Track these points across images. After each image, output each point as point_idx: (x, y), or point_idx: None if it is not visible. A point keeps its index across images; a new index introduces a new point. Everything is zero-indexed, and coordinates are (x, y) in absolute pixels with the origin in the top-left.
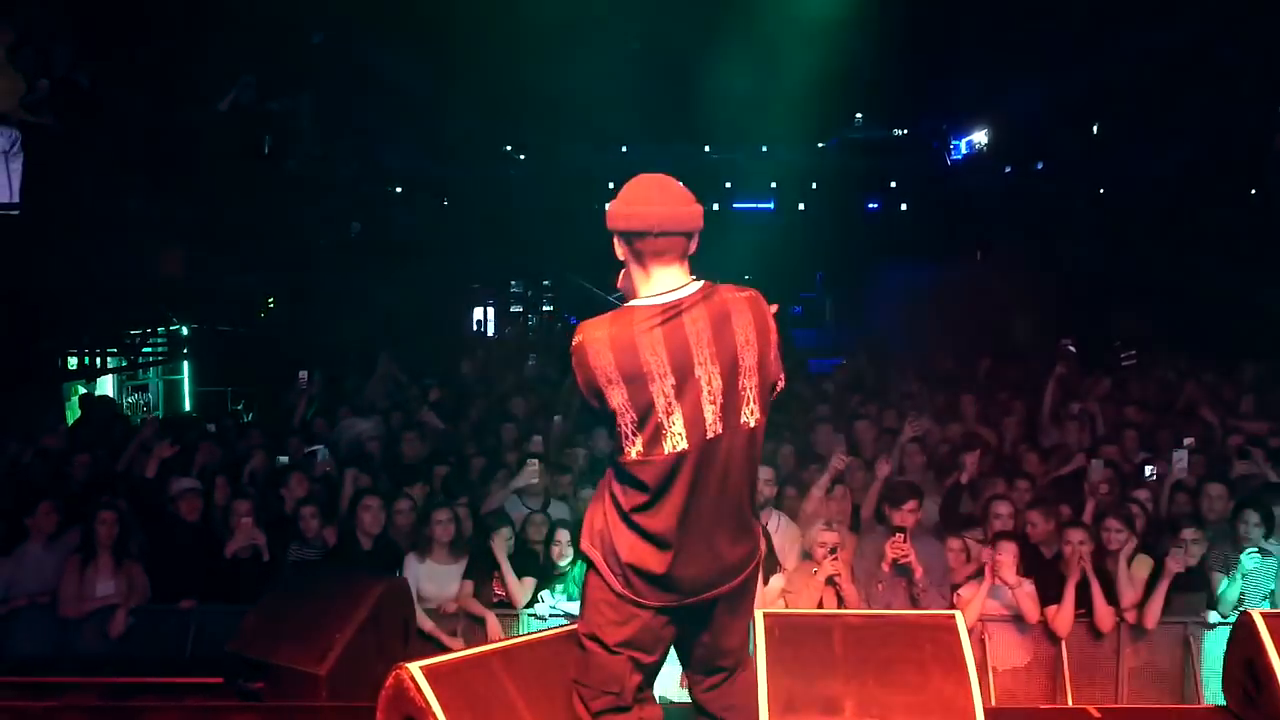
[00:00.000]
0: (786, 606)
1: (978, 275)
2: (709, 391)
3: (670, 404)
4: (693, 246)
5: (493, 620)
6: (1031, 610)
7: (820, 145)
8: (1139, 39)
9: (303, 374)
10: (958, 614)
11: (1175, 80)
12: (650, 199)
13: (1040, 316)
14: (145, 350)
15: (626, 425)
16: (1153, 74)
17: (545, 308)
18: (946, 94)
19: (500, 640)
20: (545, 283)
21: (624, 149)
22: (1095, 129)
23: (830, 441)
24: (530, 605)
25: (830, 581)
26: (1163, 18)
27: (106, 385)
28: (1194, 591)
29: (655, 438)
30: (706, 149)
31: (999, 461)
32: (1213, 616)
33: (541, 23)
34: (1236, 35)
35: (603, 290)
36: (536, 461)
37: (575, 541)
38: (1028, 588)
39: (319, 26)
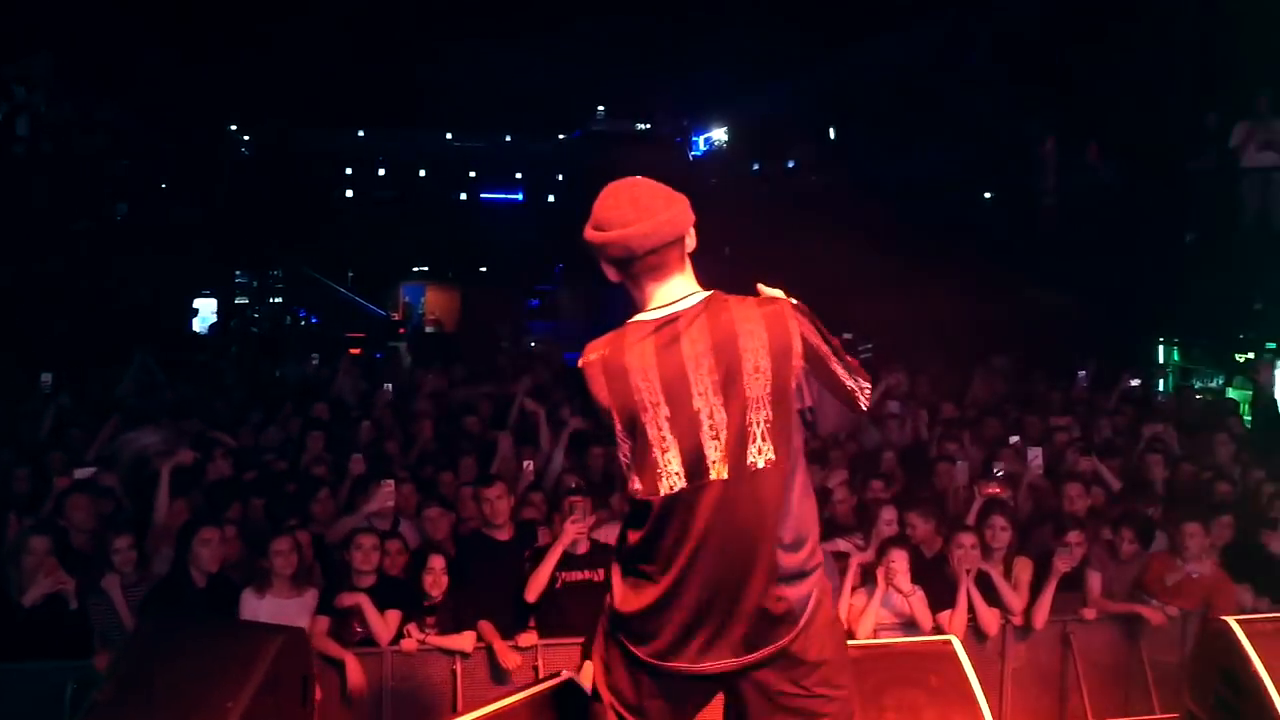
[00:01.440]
0: None
1: (726, 271)
2: (710, 426)
3: (665, 438)
4: (691, 244)
5: (353, 663)
6: (925, 617)
7: (562, 137)
8: (883, 43)
9: (45, 377)
10: (954, 639)
11: (920, 84)
12: (625, 219)
13: None
14: None
15: (625, 456)
16: (895, 78)
17: (274, 299)
18: (686, 89)
19: (361, 687)
20: (274, 273)
21: (360, 133)
22: (833, 131)
23: None
24: (396, 641)
25: None
26: (908, 21)
27: None
28: (1071, 590)
29: (651, 475)
30: (449, 136)
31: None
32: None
33: None
34: (983, 41)
35: (338, 284)
36: (391, 482)
37: (450, 570)
38: (920, 594)
39: None
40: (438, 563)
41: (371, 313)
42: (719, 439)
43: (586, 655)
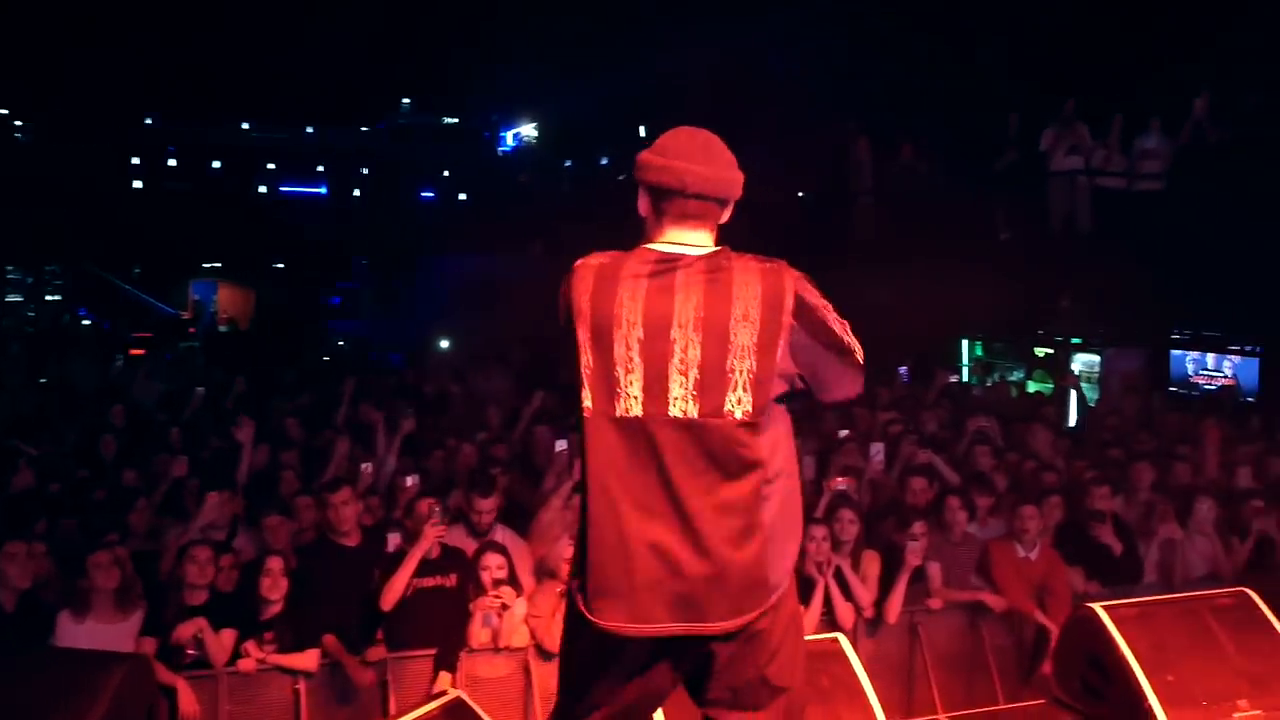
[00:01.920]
0: (536, 636)
1: (538, 266)
2: (680, 360)
3: (632, 360)
4: (725, 216)
5: (185, 690)
6: None
7: (365, 129)
8: (691, 44)
9: None
10: (840, 636)
11: (732, 85)
12: (691, 154)
13: None
14: None
15: (583, 368)
16: (705, 79)
17: (51, 297)
18: (496, 84)
19: (194, 715)
20: (50, 269)
21: (148, 120)
22: (644, 129)
23: (549, 444)
24: (232, 662)
25: None
26: (712, 25)
27: None
28: (917, 581)
29: (608, 392)
30: (246, 126)
31: None
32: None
33: None
34: (792, 46)
35: (124, 281)
36: (217, 494)
37: (289, 572)
38: None
39: None
40: (276, 564)
41: (160, 311)
42: (686, 376)
43: (442, 667)
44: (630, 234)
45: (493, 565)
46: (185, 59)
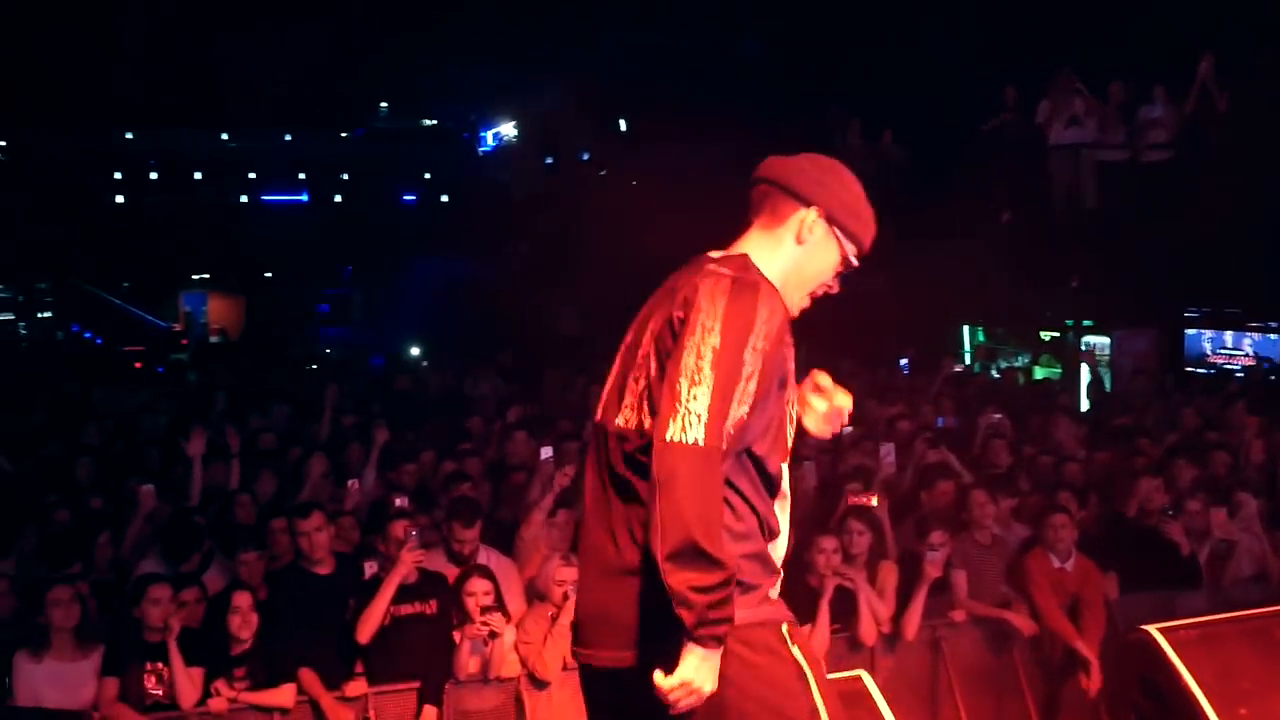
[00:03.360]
0: (528, 663)
1: (522, 267)
2: (615, 369)
3: (612, 367)
4: (783, 210)
5: None
6: None
7: (344, 135)
8: (656, 38)
9: None
10: (864, 674)
11: (701, 78)
12: (787, 153)
13: (586, 305)
14: None
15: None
16: (676, 72)
17: (43, 314)
18: (470, 84)
19: None
20: (41, 286)
21: (129, 135)
22: (624, 123)
23: (530, 453)
24: (203, 702)
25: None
26: (679, 18)
27: None
28: (939, 593)
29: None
30: (225, 137)
31: None
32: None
33: None
34: (758, 35)
35: (114, 295)
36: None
37: (259, 605)
38: None
39: None
40: (244, 600)
41: (151, 324)
42: (609, 384)
43: (427, 700)
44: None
45: (479, 591)
46: (161, 72)
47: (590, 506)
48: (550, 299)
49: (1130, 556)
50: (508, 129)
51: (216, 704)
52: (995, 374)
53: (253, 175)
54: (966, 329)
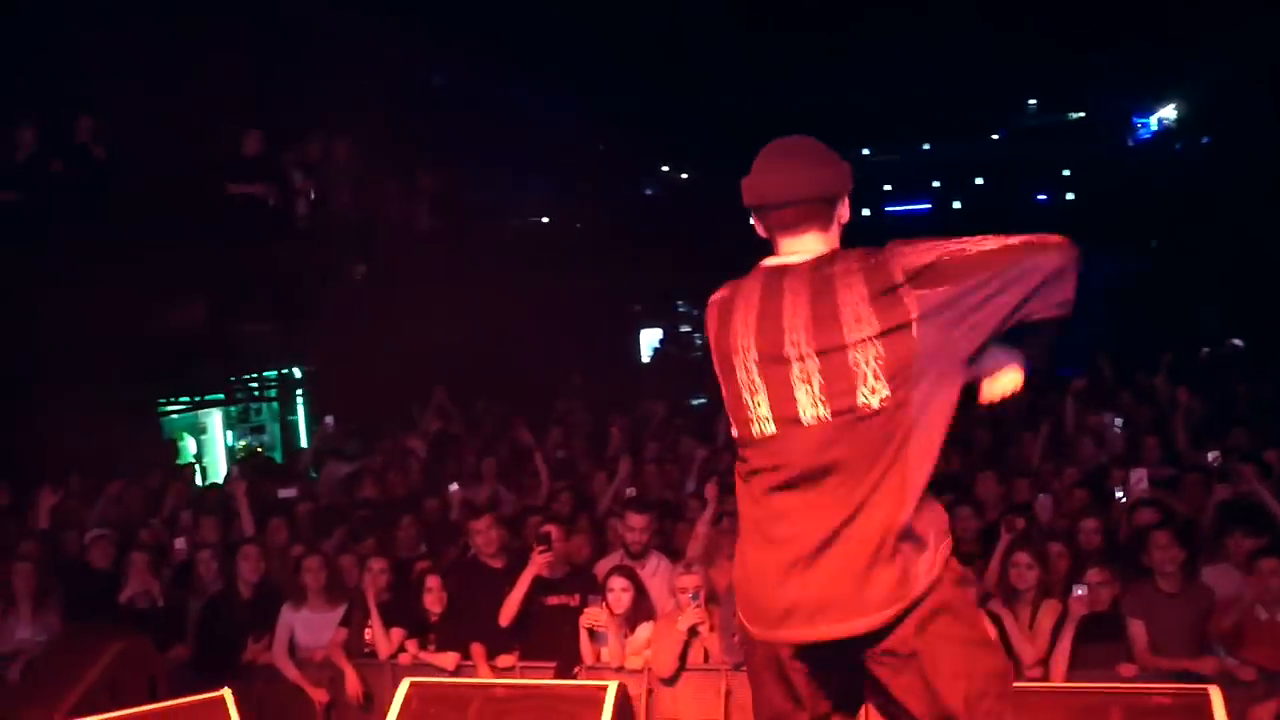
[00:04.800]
0: (651, 661)
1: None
2: (801, 371)
3: (754, 382)
4: (839, 213)
5: (351, 674)
6: None
7: (983, 139)
8: None
9: (328, 419)
10: (611, 684)
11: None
12: (769, 165)
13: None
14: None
15: (724, 398)
16: None
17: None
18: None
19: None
20: None
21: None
22: None
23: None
24: (395, 657)
25: (693, 632)
26: None
27: (214, 427)
28: (1110, 640)
29: (743, 417)
30: (866, 151)
31: None
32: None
33: None
34: None
35: None
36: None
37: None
38: None
39: None
40: (435, 582)
41: None
42: (810, 384)
43: (559, 676)
44: None
45: (617, 588)
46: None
47: (811, 500)
48: None
49: None
50: (1168, 112)
51: (403, 658)
52: None
53: (887, 187)
54: None
